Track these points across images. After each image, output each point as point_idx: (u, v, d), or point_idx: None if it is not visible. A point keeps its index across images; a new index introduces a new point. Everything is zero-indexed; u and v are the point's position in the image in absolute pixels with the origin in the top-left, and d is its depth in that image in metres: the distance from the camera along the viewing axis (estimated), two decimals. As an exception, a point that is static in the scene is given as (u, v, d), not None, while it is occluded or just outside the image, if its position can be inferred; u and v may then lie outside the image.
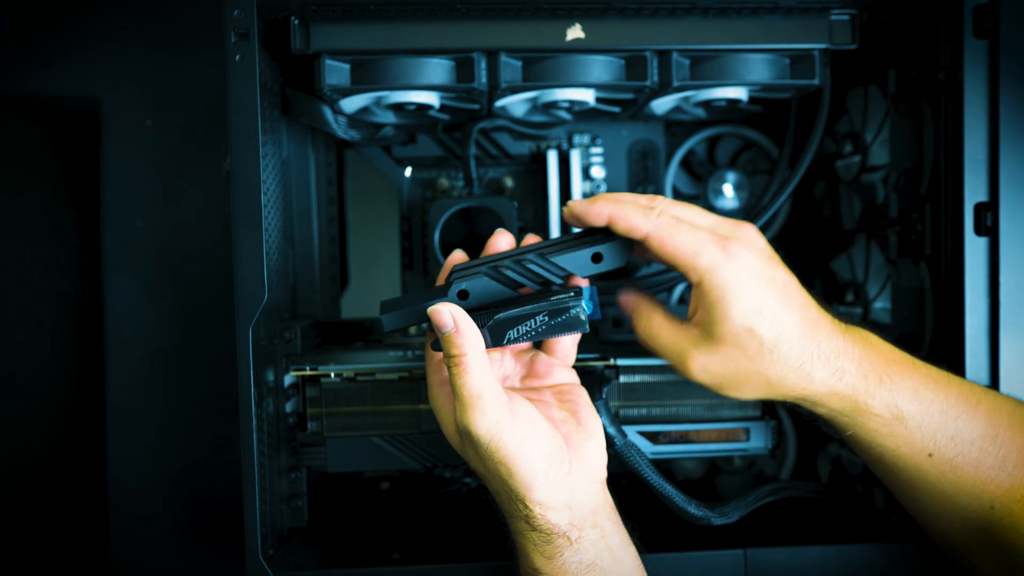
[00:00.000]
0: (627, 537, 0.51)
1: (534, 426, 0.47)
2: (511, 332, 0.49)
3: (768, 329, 0.45)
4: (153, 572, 0.71)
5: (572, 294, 0.49)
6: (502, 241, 0.54)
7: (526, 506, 0.47)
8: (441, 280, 0.54)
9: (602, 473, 0.51)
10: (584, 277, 0.51)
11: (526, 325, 0.49)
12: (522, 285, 0.51)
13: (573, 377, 0.55)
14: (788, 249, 0.76)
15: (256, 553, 0.53)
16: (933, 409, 0.48)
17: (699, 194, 0.76)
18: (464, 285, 0.50)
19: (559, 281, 0.51)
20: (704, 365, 0.47)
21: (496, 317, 0.49)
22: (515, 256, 0.51)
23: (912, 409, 0.47)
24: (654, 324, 0.49)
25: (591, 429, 0.51)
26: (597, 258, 0.50)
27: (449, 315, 0.47)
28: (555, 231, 0.71)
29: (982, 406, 0.48)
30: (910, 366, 0.48)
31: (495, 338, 0.49)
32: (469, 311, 0.48)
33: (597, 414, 0.52)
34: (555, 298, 0.49)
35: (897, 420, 0.48)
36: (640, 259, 0.70)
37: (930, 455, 0.48)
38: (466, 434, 0.47)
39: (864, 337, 0.48)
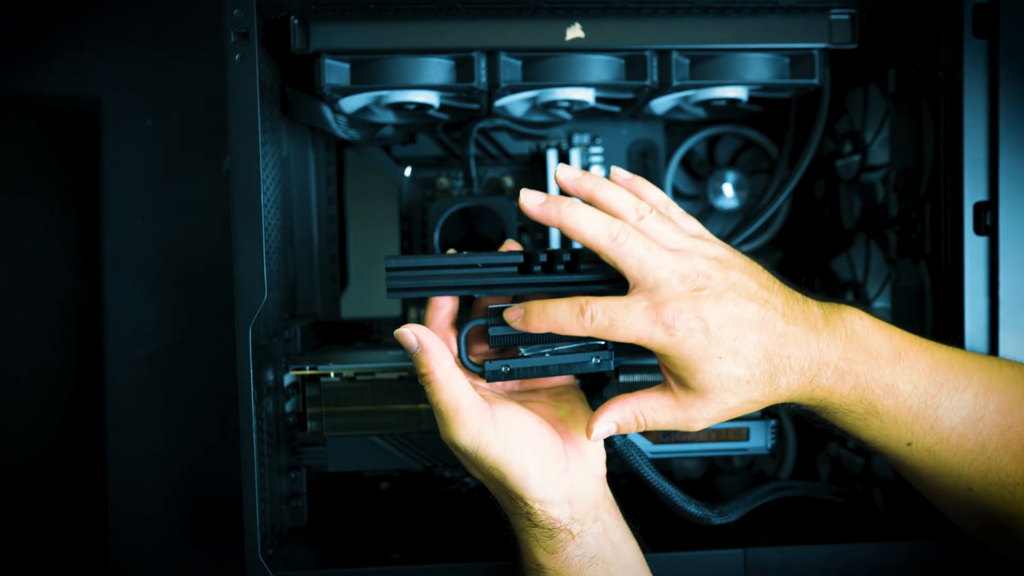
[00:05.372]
0: (628, 531, 0.51)
1: (520, 427, 0.48)
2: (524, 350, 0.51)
3: (735, 366, 0.45)
4: (153, 572, 0.71)
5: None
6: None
7: (526, 503, 0.48)
8: (429, 319, 0.53)
9: (601, 469, 0.52)
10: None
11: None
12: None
13: (568, 379, 0.56)
14: (788, 249, 0.76)
15: (256, 552, 0.53)
16: (911, 402, 0.47)
17: (699, 194, 0.76)
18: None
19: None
20: (705, 416, 0.47)
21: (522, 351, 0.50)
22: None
23: (888, 404, 0.47)
24: (647, 415, 0.48)
25: None
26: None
27: (412, 336, 0.48)
28: (555, 231, 0.71)
29: (971, 388, 0.47)
30: (893, 357, 0.47)
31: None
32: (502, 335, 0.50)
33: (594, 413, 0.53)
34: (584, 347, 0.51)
35: (872, 415, 0.47)
36: None
37: (909, 444, 0.48)
38: (452, 446, 0.48)
39: (848, 330, 0.47)
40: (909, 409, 0.47)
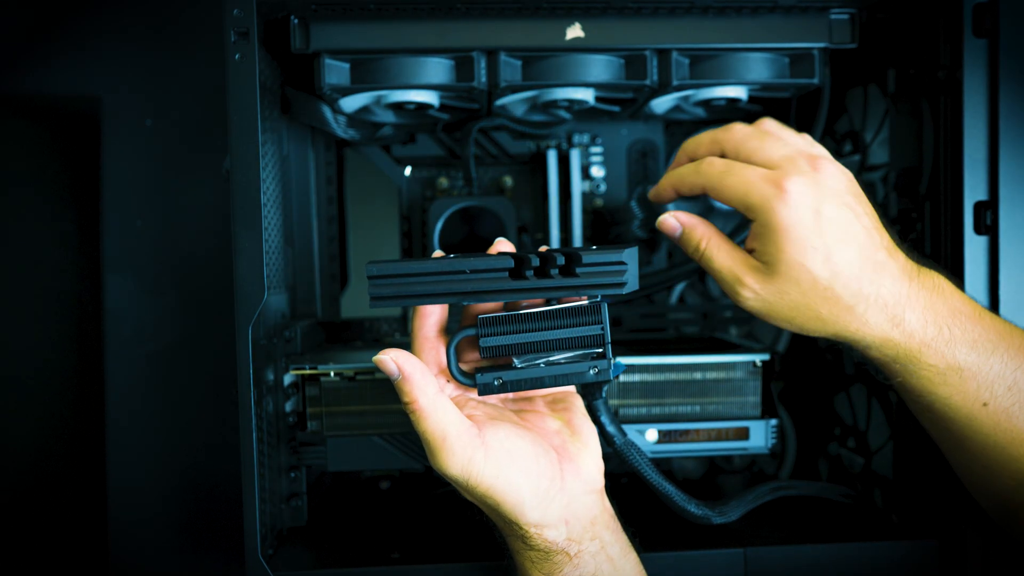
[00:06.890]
0: (628, 544, 0.50)
1: (512, 450, 0.46)
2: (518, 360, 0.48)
3: (821, 266, 0.45)
4: (153, 572, 0.71)
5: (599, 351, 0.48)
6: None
7: (521, 527, 0.46)
8: (416, 339, 0.50)
9: (599, 482, 0.49)
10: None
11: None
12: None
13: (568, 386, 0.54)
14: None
15: (256, 552, 0.53)
16: (993, 360, 0.47)
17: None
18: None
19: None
20: (756, 291, 0.47)
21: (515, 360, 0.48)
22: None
23: (970, 360, 0.47)
24: (712, 244, 0.49)
25: (586, 438, 0.50)
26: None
27: (392, 363, 0.45)
28: (555, 230, 0.71)
29: None
30: (975, 317, 0.47)
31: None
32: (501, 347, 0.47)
33: (592, 422, 0.51)
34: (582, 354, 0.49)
35: (952, 370, 0.47)
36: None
37: (985, 404, 0.47)
38: (442, 475, 0.46)
39: (936, 285, 0.47)
40: (990, 367, 0.47)
